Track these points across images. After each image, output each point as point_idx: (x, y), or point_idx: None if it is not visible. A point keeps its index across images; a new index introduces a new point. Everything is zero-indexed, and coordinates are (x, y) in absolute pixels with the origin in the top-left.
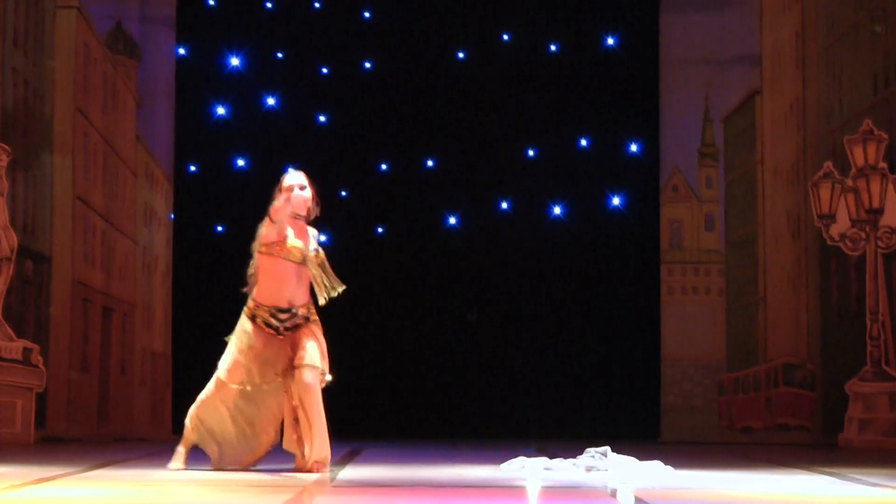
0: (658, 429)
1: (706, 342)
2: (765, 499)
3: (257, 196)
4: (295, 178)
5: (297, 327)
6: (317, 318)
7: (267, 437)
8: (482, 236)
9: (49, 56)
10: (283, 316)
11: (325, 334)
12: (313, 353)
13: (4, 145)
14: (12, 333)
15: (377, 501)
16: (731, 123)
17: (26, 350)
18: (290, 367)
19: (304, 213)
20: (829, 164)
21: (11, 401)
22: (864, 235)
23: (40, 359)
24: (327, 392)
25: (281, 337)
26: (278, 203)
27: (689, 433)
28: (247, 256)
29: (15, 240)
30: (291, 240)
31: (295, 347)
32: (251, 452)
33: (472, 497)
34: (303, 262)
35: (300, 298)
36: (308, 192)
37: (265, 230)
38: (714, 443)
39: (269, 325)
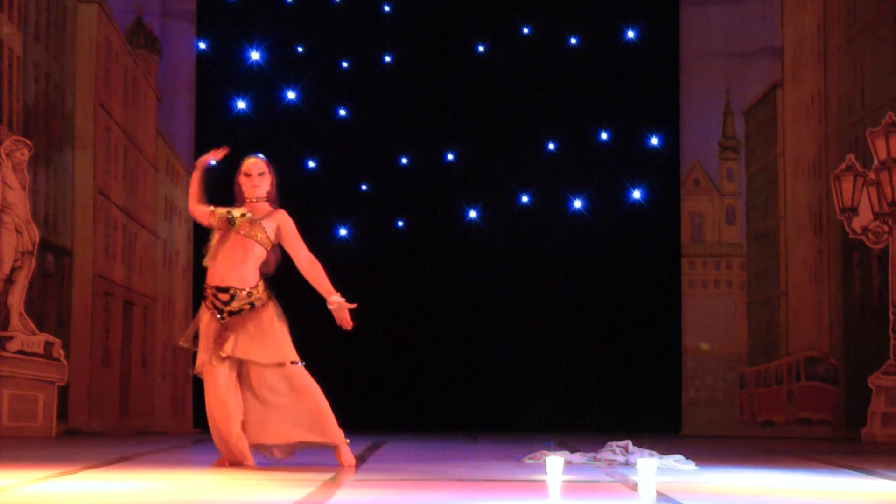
0: (679, 422)
1: (728, 336)
2: (787, 494)
3: (279, 190)
4: (244, 166)
5: (240, 312)
6: (265, 302)
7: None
8: (502, 230)
9: (70, 51)
10: (223, 297)
11: (348, 327)
12: (275, 348)
13: (26, 140)
14: (34, 327)
15: (398, 495)
16: (753, 116)
17: (48, 344)
18: (239, 357)
19: (261, 195)
20: (851, 157)
21: (33, 394)
22: (886, 229)
23: (62, 352)
24: (348, 386)
25: (223, 321)
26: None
27: (710, 427)
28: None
29: (37, 234)
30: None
31: (246, 340)
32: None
33: (492, 491)
34: (228, 227)
35: (239, 279)
36: (252, 179)
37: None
38: (735, 437)
39: (214, 307)
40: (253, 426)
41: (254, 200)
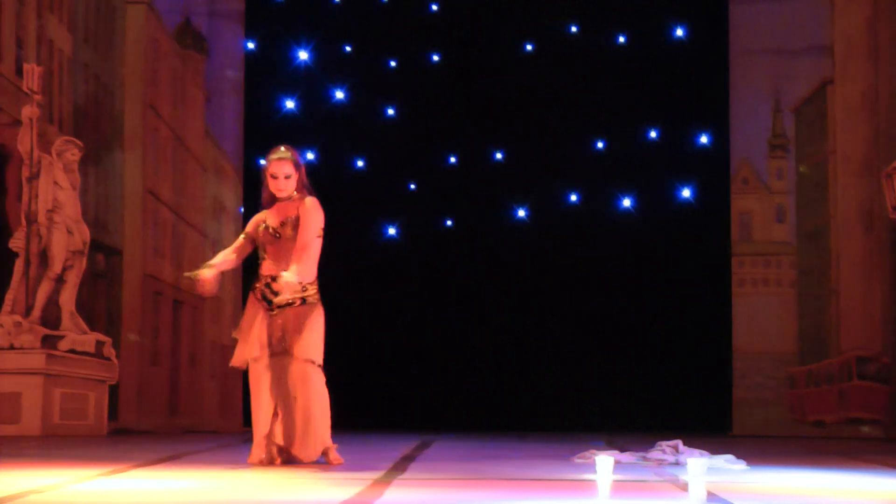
0: (730, 422)
1: (777, 335)
2: (838, 494)
3: (326, 189)
4: (271, 166)
5: (290, 304)
6: (315, 300)
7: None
8: (551, 229)
9: (119, 52)
10: (276, 287)
11: (393, 327)
12: (307, 343)
13: (77, 140)
14: (85, 326)
15: (447, 494)
16: (802, 114)
17: (99, 343)
18: (280, 350)
19: (286, 195)
20: None
21: (84, 393)
22: None
23: (113, 351)
24: (396, 385)
25: (272, 313)
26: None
27: (760, 427)
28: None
29: (87, 233)
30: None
31: (288, 332)
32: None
33: (541, 490)
34: (274, 238)
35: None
36: (279, 182)
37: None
38: (786, 436)
39: (264, 298)
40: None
41: (283, 199)
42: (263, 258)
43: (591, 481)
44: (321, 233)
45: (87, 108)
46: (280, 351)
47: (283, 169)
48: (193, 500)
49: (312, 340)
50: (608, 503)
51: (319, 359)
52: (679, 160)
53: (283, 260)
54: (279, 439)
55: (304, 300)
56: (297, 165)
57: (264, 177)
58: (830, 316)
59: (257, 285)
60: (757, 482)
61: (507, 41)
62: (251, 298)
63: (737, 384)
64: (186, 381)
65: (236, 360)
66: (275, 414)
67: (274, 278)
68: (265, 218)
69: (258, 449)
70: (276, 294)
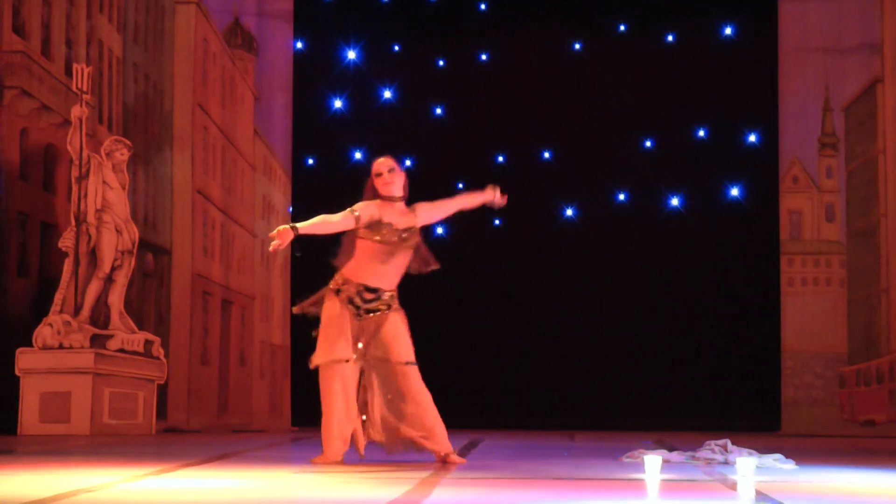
0: (778, 421)
1: (827, 334)
2: (889, 494)
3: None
4: (373, 167)
5: (376, 312)
6: (399, 306)
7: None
8: (599, 228)
9: (168, 52)
10: (368, 296)
11: (444, 326)
12: (402, 347)
13: (126, 140)
14: (134, 326)
15: (495, 493)
16: (852, 112)
17: (148, 342)
18: (363, 354)
19: (398, 194)
20: None
21: (133, 392)
22: None
23: (161, 351)
24: (445, 383)
25: (359, 320)
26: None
27: (809, 426)
28: None
29: (136, 233)
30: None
31: (380, 338)
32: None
33: (590, 490)
34: (398, 242)
35: (389, 283)
36: (384, 177)
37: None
38: (835, 436)
39: (351, 303)
40: (375, 423)
41: (394, 200)
42: (370, 265)
43: (639, 480)
44: None
45: (137, 108)
46: (365, 355)
47: (385, 164)
48: (242, 499)
49: (405, 343)
50: (657, 503)
51: (414, 358)
52: (728, 159)
53: (398, 262)
54: (377, 436)
55: (388, 306)
56: (399, 166)
57: (369, 188)
58: (881, 315)
59: (344, 287)
60: (806, 482)
61: (556, 40)
62: (332, 298)
63: (786, 383)
64: (235, 380)
65: (319, 359)
66: (361, 414)
67: (369, 289)
68: (382, 216)
69: (336, 448)
70: (366, 301)
